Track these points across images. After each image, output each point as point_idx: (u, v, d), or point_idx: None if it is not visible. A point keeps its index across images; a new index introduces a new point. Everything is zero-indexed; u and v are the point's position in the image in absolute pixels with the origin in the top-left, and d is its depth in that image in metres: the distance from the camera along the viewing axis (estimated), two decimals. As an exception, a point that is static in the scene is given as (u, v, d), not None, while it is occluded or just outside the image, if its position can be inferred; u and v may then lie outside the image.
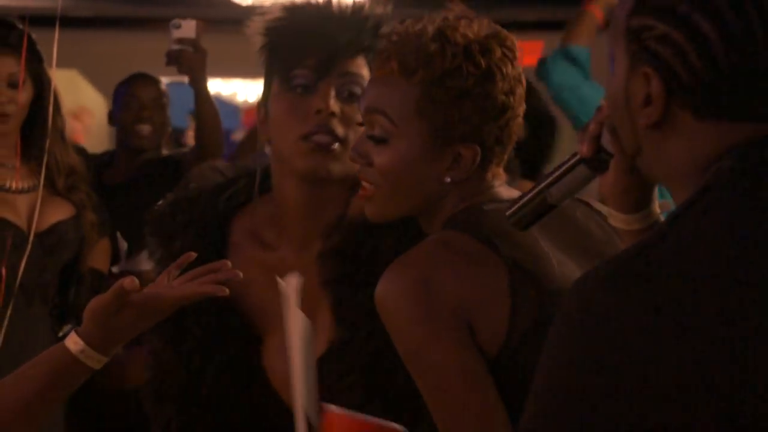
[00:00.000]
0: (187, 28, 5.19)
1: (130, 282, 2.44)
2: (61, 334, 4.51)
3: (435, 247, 2.44)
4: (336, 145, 2.75)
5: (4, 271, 4.16)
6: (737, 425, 1.52)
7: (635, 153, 1.81)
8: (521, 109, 2.51)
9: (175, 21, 5.24)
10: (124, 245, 4.66)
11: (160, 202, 3.05)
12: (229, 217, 2.94)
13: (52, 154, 4.40)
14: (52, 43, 4.13)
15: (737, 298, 1.55)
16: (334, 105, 2.74)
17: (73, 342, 2.45)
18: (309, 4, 2.88)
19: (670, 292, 1.57)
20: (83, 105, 11.67)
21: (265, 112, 2.88)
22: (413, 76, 2.45)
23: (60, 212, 4.44)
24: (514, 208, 2.25)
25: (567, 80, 4.92)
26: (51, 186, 4.40)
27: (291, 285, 2.25)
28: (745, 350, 1.53)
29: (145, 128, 5.51)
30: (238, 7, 9.30)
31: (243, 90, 7.11)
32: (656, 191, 2.11)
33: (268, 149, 2.99)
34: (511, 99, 2.48)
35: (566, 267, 2.47)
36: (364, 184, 2.55)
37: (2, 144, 4.37)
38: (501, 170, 2.58)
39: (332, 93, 2.75)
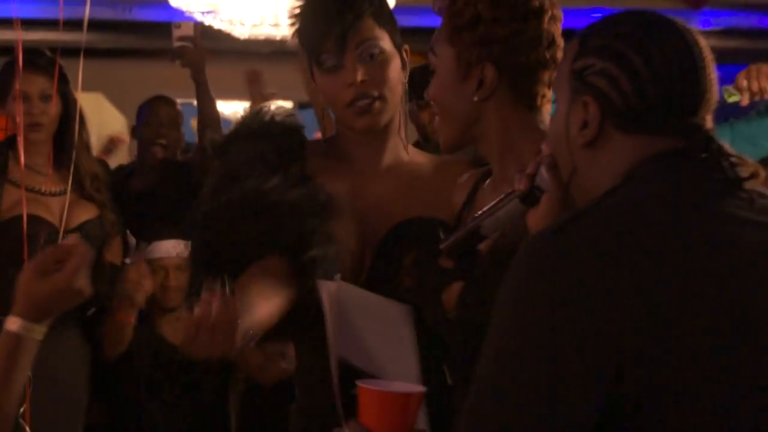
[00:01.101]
0: (186, 27, 5.26)
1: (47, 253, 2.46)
2: (87, 314, 4.55)
3: None
4: (376, 103, 2.77)
5: (36, 260, 4.16)
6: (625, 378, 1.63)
7: (571, 174, 1.90)
8: (537, 38, 2.45)
9: (176, 22, 5.30)
10: (132, 241, 4.69)
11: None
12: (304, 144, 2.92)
13: (79, 162, 4.43)
14: (79, 69, 4.17)
15: (648, 260, 1.65)
16: (361, 74, 2.74)
17: (12, 323, 2.42)
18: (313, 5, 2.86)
19: (597, 248, 1.67)
20: (121, 132, 11.70)
21: (314, 85, 2.89)
22: (444, 16, 2.50)
23: (86, 213, 4.48)
24: (448, 241, 2.26)
25: None
26: (78, 190, 4.43)
27: (328, 289, 2.31)
28: (643, 299, 1.63)
29: (164, 141, 5.54)
30: (236, 40, 9.27)
31: (242, 109, 7.25)
32: None
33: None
34: (521, 25, 2.45)
35: None
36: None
37: (37, 154, 4.40)
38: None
39: (356, 65, 2.75)
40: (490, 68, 2.44)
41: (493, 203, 2.19)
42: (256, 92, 6.99)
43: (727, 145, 1.79)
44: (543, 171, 2.02)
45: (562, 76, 1.90)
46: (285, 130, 2.88)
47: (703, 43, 1.85)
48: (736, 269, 1.68)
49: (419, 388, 2.04)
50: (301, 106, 13.86)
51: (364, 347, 2.35)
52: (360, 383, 1.98)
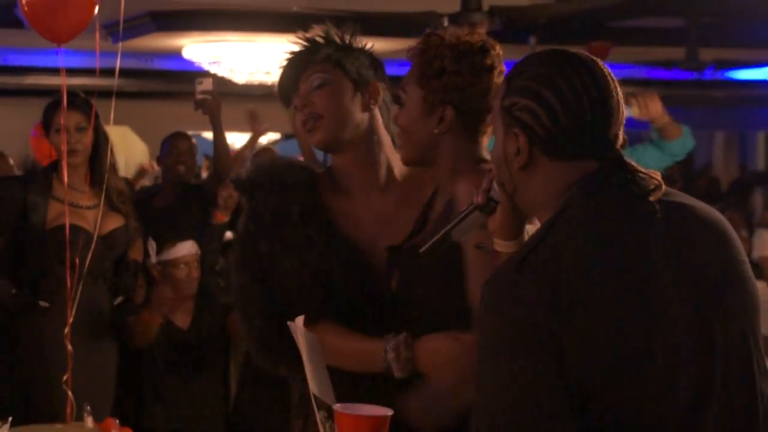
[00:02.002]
0: (207, 83, 5.25)
1: None
2: (115, 303, 4.52)
3: None
4: (320, 121, 2.70)
5: (77, 261, 4.14)
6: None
7: (513, 192, 1.88)
8: (488, 89, 2.48)
9: (198, 78, 5.31)
10: (153, 244, 4.67)
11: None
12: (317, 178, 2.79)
13: (109, 181, 4.41)
14: (111, 107, 4.17)
15: (592, 279, 1.65)
16: (306, 103, 2.70)
17: None
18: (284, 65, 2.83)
19: (548, 274, 1.66)
20: (143, 157, 11.68)
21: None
22: (414, 62, 2.52)
23: (114, 222, 4.45)
24: (427, 246, 2.24)
25: None
26: (108, 203, 4.41)
27: (298, 325, 2.18)
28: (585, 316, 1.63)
29: (182, 168, 5.52)
30: (236, 84, 9.23)
31: (238, 139, 7.19)
32: (525, 227, 2.12)
33: None
34: (477, 78, 2.49)
35: None
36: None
37: (76, 175, 4.38)
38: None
39: (307, 98, 2.71)
40: (450, 110, 2.48)
41: (459, 215, 2.19)
42: (254, 126, 7.02)
43: (634, 162, 1.78)
44: (495, 186, 2.01)
45: (495, 111, 1.87)
46: (302, 183, 2.74)
47: (606, 69, 1.84)
48: (647, 276, 1.69)
49: (389, 411, 1.94)
50: (287, 136, 13.89)
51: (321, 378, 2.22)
52: (336, 408, 1.87)
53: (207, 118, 5.31)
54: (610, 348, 1.63)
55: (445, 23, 6.15)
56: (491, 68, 2.50)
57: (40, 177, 4.52)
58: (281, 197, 2.68)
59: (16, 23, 8.14)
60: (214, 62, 8.99)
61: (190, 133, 5.90)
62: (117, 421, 3.57)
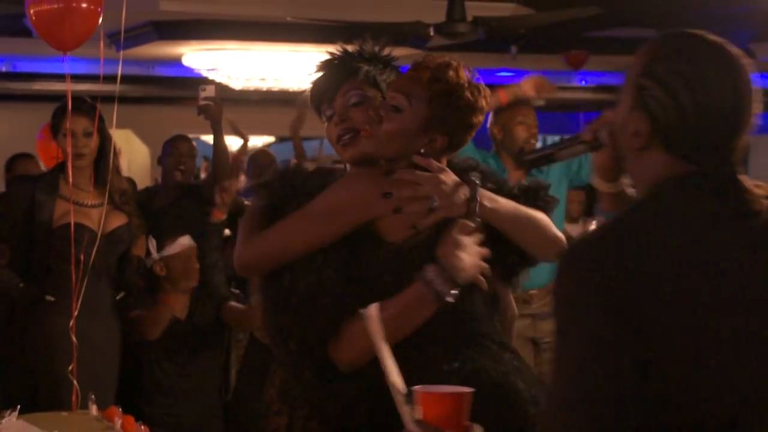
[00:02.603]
0: (210, 90, 5.24)
1: None
2: (118, 297, 4.51)
3: None
4: (350, 135, 2.61)
5: (82, 258, 4.13)
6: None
7: (621, 157, 1.84)
8: (477, 125, 2.52)
9: (202, 86, 5.30)
10: (153, 242, 4.66)
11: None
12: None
13: (112, 182, 4.41)
14: (114, 112, 4.16)
15: (670, 262, 1.62)
16: (341, 121, 2.61)
17: None
18: (320, 71, 2.73)
19: (629, 249, 1.62)
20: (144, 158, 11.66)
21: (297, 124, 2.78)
22: (434, 85, 2.46)
23: (118, 220, 4.44)
24: (532, 155, 2.34)
25: None
26: (111, 202, 4.40)
27: (371, 313, 2.11)
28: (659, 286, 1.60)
29: (182, 168, 5.51)
30: (232, 89, 9.21)
31: (235, 142, 7.22)
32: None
33: None
34: (476, 118, 2.49)
35: None
36: (367, 127, 2.54)
37: (81, 176, 4.37)
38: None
39: (341, 110, 2.62)
40: (445, 139, 2.46)
41: (568, 140, 2.24)
42: (240, 133, 6.87)
43: (746, 178, 1.73)
44: (603, 132, 2.03)
45: (629, 82, 1.78)
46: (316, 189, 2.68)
47: (752, 83, 1.76)
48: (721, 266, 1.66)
49: (469, 389, 1.86)
50: (281, 139, 13.86)
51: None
52: (419, 389, 1.78)
53: (206, 122, 5.30)
54: (679, 327, 1.60)
55: (431, 32, 6.15)
56: (483, 109, 2.52)
57: (48, 177, 4.53)
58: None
59: (25, 32, 8.11)
60: (212, 69, 8.97)
61: (189, 136, 5.89)
62: (120, 410, 3.56)
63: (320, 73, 2.71)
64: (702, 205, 1.69)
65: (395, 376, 1.85)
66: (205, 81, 5.43)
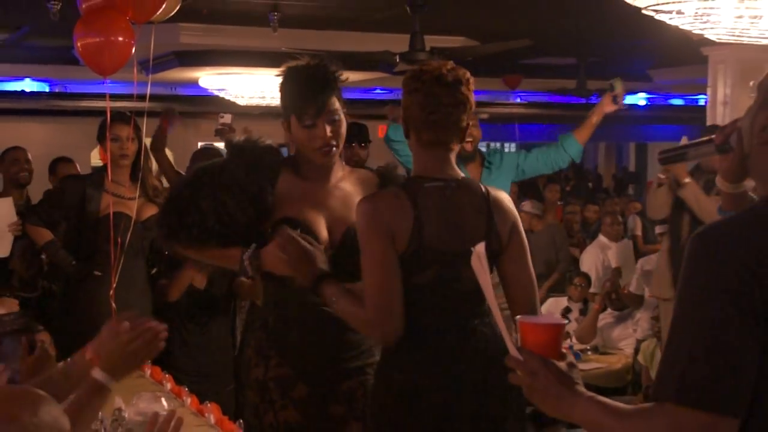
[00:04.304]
0: (227, 118, 5.25)
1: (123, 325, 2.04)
2: (152, 273, 4.50)
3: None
4: (333, 149, 2.65)
5: (119, 241, 4.13)
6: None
7: (747, 154, 1.57)
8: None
9: (221, 114, 5.30)
10: None
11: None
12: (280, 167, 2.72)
13: (146, 179, 4.40)
14: (144, 123, 4.15)
15: None
16: (328, 132, 2.62)
17: (97, 373, 1.98)
18: (296, 69, 2.67)
19: (760, 239, 1.39)
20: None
21: (288, 129, 2.70)
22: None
23: (150, 210, 4.41)
24: (666, 155, 2.14)
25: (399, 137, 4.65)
26: (145, 195, 4.39)
27: (479, 250, 2.10)
28: None
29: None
30: (238, 105, 9.18)
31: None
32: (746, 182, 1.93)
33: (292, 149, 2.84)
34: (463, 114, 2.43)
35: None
36: (339, 143, 2.65)
37: (122, 174, 4.35)
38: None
39: (325, 126, 2.62)
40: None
41: (699, 142, 2.05)
42: None
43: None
44: (733, 137, 1.83)
45: (761, 88, 1.55)
46: (271, 157, 2.73)
47: None
48: None
49: (563, 320, 1.68)
50: (278, 145, 13.85)
51: None
52: (520, 319, 1.62)
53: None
54: None
55: (398, 60, 6.15)
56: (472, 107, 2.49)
57: (95, 175, 4.51)
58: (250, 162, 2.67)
59: (73, 61, 8.07)
60: (222, 89, 8.94)
61: (203, 143, 5.85)
62: (149, 362, 3.55)
63: (295, 80, 2.65)
64: None
65: (495, 305, 1.70)
66: (225, 111, 5.42)
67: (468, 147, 4.41)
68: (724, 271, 1.37)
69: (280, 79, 2.71)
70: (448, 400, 2.36)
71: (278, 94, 2.76)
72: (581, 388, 1.49)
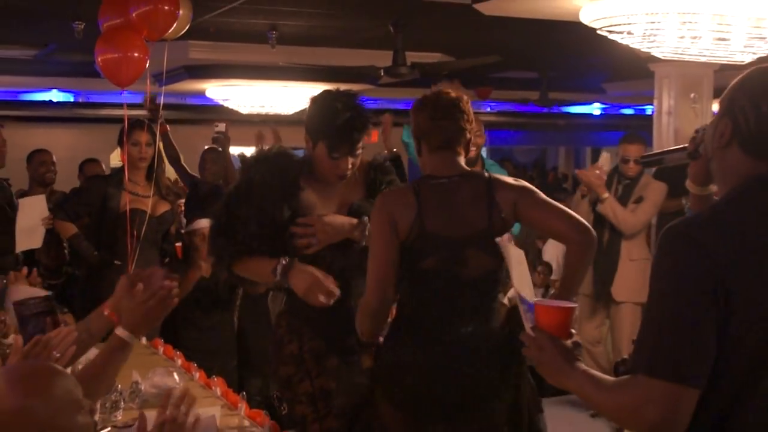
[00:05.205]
0: (221, 126, 5.17)
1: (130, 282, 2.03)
2: (165, 262, 4.48)
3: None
4: (348, 173, 2.64)
5: (136, 234, 4.13)
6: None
7: (710, 159, 1.59)
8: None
9: (216, 123, 5.24)
10: (183, 220, 4.62)
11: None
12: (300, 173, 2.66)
13: (160, 179, 4.39)
14: (157, 130, 4.13)
15: (757, 247, 1.42)
16: (350, 164, 2.61)
17: (121, 331, 1.97)
18: (336, 108, 2.57)
19: (723, 233, 1.42)
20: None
21: (312, 146, 2.63)
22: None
23: (163, 207, 4.43)
24: (646, 159, 2.16)
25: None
26: (159, 194, 4.38)
27: (505, 238, 2.01)
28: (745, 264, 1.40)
29: (210, 171, 5.34)
30: (241, 114, 9.15)
31: (246, 152, 7.25)
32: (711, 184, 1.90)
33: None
34: (467, 131, 2.47)
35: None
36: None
37: (139, 175, 4.37)
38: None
39: (348, 160, 2.60)
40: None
41: (675, 148, 2.06)
42: (259, 144, 6.81)
43: None
44: (702, 145, 1.85)
45: (725, 96, 1.55)
46: (290, 162, 2.67)
47: None
48: None
49: (575, 304, 1.65)
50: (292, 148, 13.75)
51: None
52: (536, 301, 1.61)
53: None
54: (761, 304, 1.40)
55: (382, 74, 6.15)
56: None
57: (116, 175, 4.50)
58: (273, 171, 2.62)
59: (94, 74, 8.02)
60: (227, 99, 8.90)
61: (208, 146, 5.79)
62: (162, 340, 3.55)
63: (333, 115, 2.57)
64: None
65: (521, 289, 1.67)
66: (220, 120, 5.33)
67: (472, 153, 4.41)
68: (689, 258, 1.40)
69: (316, 101, 2.64)
70: (427, 382, 2.34)
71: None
72: (580, 364, 1.54)
